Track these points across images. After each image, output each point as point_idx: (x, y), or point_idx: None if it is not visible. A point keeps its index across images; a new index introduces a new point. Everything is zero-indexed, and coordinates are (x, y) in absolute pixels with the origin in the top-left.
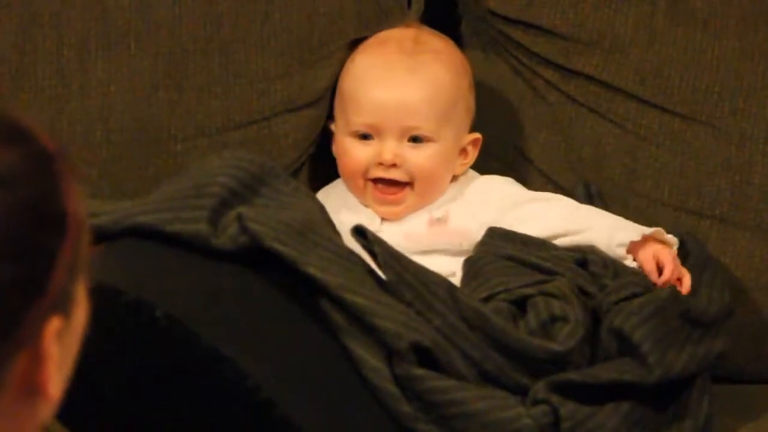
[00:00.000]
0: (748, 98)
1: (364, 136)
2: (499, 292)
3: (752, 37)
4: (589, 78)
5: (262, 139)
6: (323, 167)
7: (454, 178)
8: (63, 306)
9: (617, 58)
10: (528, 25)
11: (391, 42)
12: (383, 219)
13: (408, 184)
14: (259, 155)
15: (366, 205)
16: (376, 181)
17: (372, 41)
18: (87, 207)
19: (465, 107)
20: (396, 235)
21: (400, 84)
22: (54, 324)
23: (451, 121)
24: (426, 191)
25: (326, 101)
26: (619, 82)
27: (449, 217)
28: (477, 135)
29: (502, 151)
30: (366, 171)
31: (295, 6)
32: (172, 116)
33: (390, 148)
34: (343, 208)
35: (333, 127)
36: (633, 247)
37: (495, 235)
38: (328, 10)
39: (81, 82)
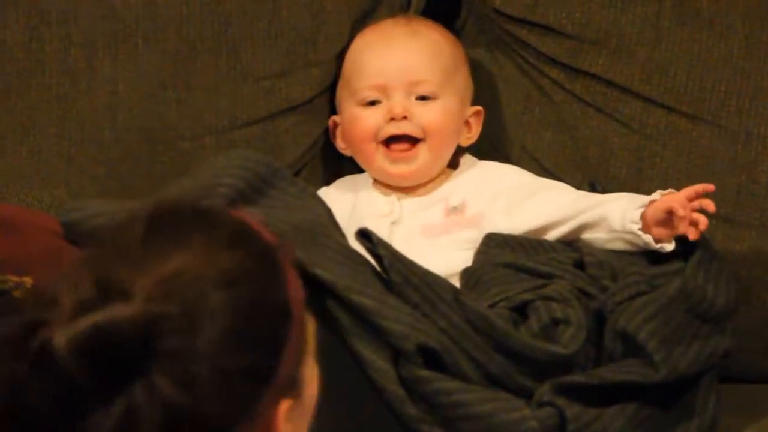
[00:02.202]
0: (753, 97)
1: (371, 103)
2: (499, 301)
3: (758, 36)
4: (596, 77)
5: (267, 137)
6: (326, 167)
7: (462, 155)
8: (292, 389)
9: (623, 58)
10: (534, 24)
11: (385, 20)
12: (400, 197)
13: (420, 140)
14: (265, 156)
15: (381, 191)
16: (388, 142)
17: (367, 27)
18: (97, 206)
19: (464, 76)
20: (413, 226)
21: (401, 45)
22: (284, 406)
23: (453, 82)
24: (438, 147)
25: (330, 100)
26: (625, 82)
27: (466, 206)
28: (478, 107)
29: (509, 150)
30: (376, 134)
31: (302, 4)
32: (180, 115)
33: (399, 101)
34: (362, 192)
35: (337, 119)
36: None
37: (492, 243)
38: (334, 9)
39: (88, 80)
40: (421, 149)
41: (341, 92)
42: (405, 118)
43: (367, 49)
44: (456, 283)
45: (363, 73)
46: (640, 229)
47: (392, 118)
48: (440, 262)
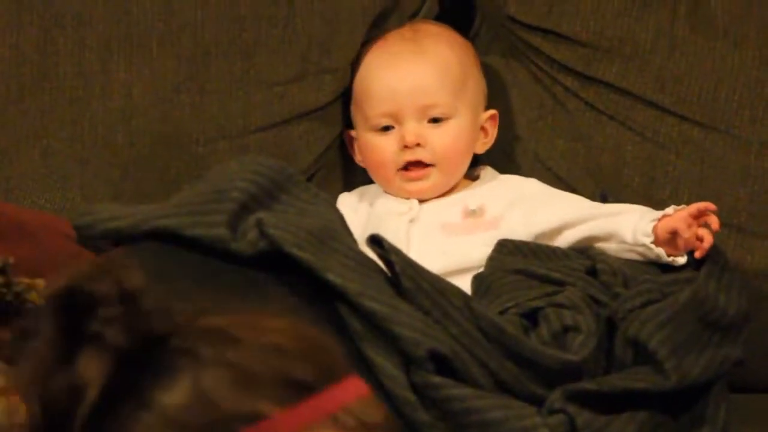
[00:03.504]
0: (767, 107)
1: (385, 128)
2: (510, 308)
3: None
4: (609, 85)
5: (280, 143)
6: (339, 173)
7: (483, 168)
8: None
9: (637, 66)
10: (548, 32)
11: (391, 36)
12: (420, 201)
13: (433, 165)
14: (278, 161)
15: (395, 195)
16: (405, 167)
17: (374, 42)
18: (109, 210)
19: (475, 82)
20: (433, 224)
21: (409, 68)
22: None
23: (464, 95)
24: (449, 169)
25: (342, 107)
26: (638, 90)
27: (485, 210)
28: (493, 111)
29: (521, 158)
30: (393, 160)
31: (315, 11)
32: (194, 119)
33: (411, 129)
34: (380, 198)
35: (353, 133)
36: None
37: (504, 250)
38: (348, 16)
39: (103, 83)
40: (433, 172)
41: (354, 113)
42: (418, 144)
43: (375, 73)
44: (470, 279)
45: (373, 99)
46: (652, 242)
47: (406, 146)
48: (458, 256)
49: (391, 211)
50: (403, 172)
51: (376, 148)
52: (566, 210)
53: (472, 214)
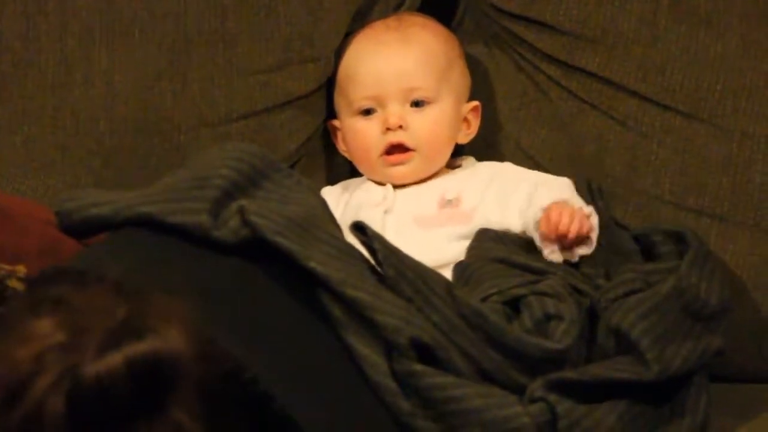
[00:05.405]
0: (749, 96)
1: (367, 112)
2: (492, 295)
3: (754, 35)
4: (592, 74)
5: (263, 131)
6: (321, 161)
7: (465, 158)
8: None
9: (620, 55)
10: (531, 21)
11: (376, 25)
12: (395, 186)
13: (414, 150)
14: (260, 148)
15: (377, 182)
16: (387, 151)
17: (358, 31)
18: (91, 196)
19: (460, 72)
20: (406, 215)
21: (394, 53)
22: None
23: (448, 82)
24: (430, 155)
25: (325, 96)
26: (621, 79)
27: (461, 200)
28: (476, 103)
29: (503, 146)
30: (376, 144)
31: (298, 0)
32: (176, 106)
33: (394, 111)
34: (358, 189)
35: (337, 123)
36: None
37: (485, 238)
38: (330, 5)
39: (85, 71)
40: (414, 156)
41: (338, 99)
42: (401, 127)
43: (360, 58)
44: (447, 274)
45: (357, 83)
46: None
47: (388, 128)
48: (432, 252)
49: (367, 202)
50: (385, 157)
51: (360, 133)
52: (514, 215)
53: (448, 204)
